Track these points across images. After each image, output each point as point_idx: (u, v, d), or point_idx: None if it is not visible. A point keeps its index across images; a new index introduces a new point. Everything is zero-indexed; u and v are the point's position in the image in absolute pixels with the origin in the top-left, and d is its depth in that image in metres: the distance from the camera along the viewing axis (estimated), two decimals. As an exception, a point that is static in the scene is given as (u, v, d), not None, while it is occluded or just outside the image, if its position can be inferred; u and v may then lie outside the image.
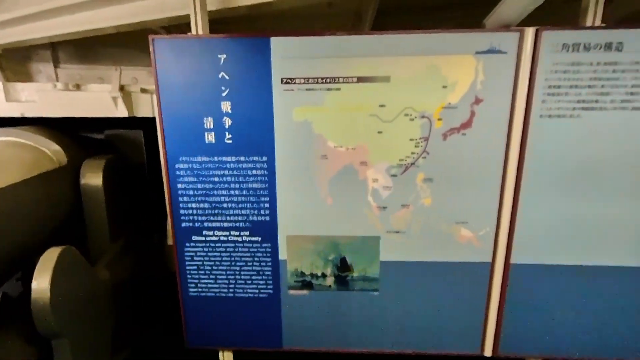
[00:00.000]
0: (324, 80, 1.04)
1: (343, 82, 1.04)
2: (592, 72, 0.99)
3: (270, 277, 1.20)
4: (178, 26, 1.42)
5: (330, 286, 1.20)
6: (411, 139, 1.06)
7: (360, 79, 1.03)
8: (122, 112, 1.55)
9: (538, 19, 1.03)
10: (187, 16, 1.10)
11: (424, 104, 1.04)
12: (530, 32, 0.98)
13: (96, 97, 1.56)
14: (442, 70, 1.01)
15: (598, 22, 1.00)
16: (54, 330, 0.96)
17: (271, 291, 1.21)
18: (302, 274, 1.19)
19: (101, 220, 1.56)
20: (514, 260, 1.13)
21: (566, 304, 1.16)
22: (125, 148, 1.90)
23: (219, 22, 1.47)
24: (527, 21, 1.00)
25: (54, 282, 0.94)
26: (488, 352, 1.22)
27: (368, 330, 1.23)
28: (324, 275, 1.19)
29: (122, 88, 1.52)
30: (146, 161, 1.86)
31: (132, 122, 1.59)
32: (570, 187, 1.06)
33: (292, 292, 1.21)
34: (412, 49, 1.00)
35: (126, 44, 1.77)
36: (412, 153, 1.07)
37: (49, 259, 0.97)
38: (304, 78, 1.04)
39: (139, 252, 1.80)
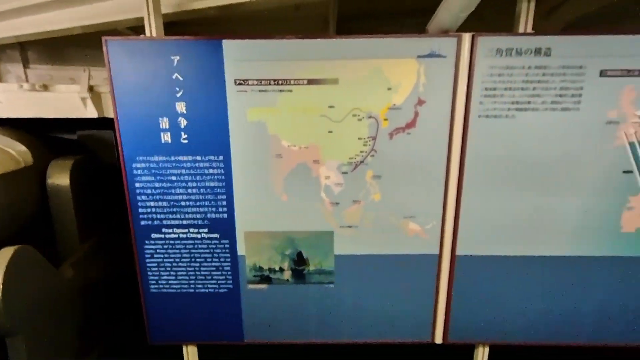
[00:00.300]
0: (276, 82, 1.08)
1: (294, 84, 1.08)
2: (524, 75, 1.06)
3: (229, 273, 1.23)
4: (146, 27, 1.44)
5: (288, 280, 1.24)
6: (360, 138, 1.12)
7: (311, 81, 1.08)
8: (91, 112, 1.56)
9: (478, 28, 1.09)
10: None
11: (371, 105, 1.09)
12: (467, 37, 1.04)
13: (64, 97, 1.56)
14: (387, 73, 1.07)
15: (529, 29, 1.07)
16: (5, 328, 0.98)
17: (231, 286, 1.25)
18: (261, 268, 1.23)
19: (69, 220, 1.57)
20: (459, 252, 1.19)
21: (509, 292, 1.23)
22: (96, 148, 1.91)
23: (186, 24, 1.49)
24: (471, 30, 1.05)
25: (6, 281, 0.96)
26: (439, 340, 1.28)
27: (325, 321, 1.28)
28: (281, 270, 1.23)
29: (91, 89, 1.53)
30: (117, 161, 1.87)
31: (107, 122, 1.59)
32: (508, 182, 1.13)
33: (251, 286, 1.25)
34: (358, 53, 1.06)
35: (97, 45, 1.77)
36: (361, 151, 1.13)
37: (2, 258, 0.99)
38: (257, 80, 1.08)
39: (111, 252, 1.81)
